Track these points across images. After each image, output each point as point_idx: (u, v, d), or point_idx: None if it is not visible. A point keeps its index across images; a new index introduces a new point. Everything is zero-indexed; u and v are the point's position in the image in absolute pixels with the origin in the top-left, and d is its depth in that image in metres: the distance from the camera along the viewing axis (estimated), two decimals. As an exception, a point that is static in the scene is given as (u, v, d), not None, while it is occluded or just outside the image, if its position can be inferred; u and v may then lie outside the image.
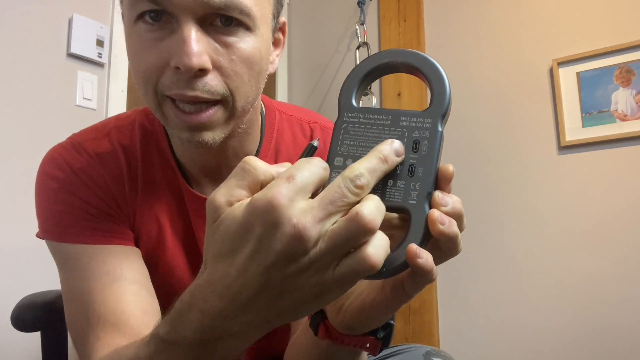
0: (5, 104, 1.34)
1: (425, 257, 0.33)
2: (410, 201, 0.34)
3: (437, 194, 0.34)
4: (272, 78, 2.34)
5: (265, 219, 0.30)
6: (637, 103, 1.62)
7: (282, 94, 2.35)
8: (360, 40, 2.07)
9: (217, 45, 0.52)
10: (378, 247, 0.31)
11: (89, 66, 1.55)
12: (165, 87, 0.53)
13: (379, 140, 0.36)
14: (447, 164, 0.35)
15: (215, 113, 0.54)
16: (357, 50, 2.07)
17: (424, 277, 0.34)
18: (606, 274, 1.59)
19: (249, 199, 0.32)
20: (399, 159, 0.34)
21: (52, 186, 0.62)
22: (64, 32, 1.50)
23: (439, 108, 0.36)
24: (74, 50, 1.50)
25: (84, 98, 1.52)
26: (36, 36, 1.43)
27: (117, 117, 0.70)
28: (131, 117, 0.69)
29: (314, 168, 0.32)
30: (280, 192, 0.30)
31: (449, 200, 0.34)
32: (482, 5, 1.94)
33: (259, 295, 0.32)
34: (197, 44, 0.50)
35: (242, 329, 0.34)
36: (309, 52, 2.37)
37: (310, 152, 0.43)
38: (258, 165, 0.33)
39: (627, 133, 1.61)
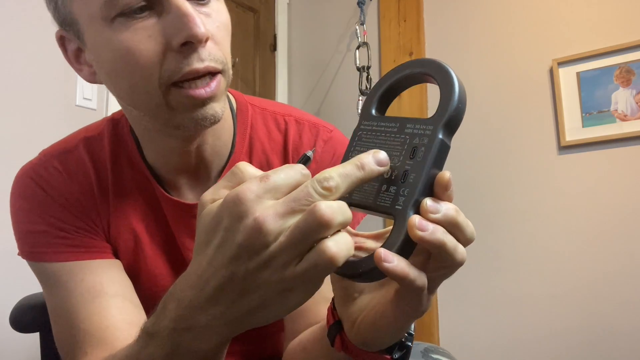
0: (6, 104, 1.34)
1: (396, 262, 0.32)
2: (396, 206, 0.34)
3: (426, 201, 0.33)
4: (272, 78, 2.33)
5: (232, 211, 0.31)
6: (637, 103, 1.62)
7: (282, 94, 2.35)
8: (360, 40, 2.07)
9: (202, 16, 0.52)
10: (339, 242, 0.31)
11: (89, 66, 1.55)
12: (172, 73, 0.51)
13: (385, 146, 0.36)
14: (444, 171, 0.34)
15: (220, 81, 0.54)
16: (357, 50, 2.07)
17: (402, 284, 0.33)
18: (606, 274, 1.59)
19: None
20: (381, 169, 0.34)
21: (24, 206, 0.62)
22: (63, 32, 1.50)
23: (442, 115, 0.35)
24: (74, 50, 1.50)
25: (84, 98, 1.52)
26: (36, 36, 1.43)
27: (87, 129, 0.69)
28: (100, 127, 0.68)
29: (291, 172, 0.33)
30: (249, 188, 0.32)
31: (440, 207, 0.33)
32: (482, 6, 1.94)
33: (225, 288, 0.33)
34: (198, 15, 0.50)
35: (211, 322, 0.35)
36: (309, 52, 2.37)
37: (302, 161, 0.43)
38: (246, 170, 0.35)
39: (627, 133, 1.61)
